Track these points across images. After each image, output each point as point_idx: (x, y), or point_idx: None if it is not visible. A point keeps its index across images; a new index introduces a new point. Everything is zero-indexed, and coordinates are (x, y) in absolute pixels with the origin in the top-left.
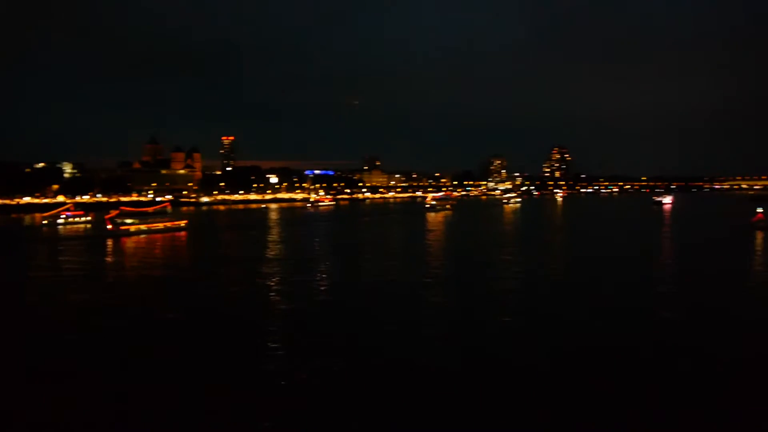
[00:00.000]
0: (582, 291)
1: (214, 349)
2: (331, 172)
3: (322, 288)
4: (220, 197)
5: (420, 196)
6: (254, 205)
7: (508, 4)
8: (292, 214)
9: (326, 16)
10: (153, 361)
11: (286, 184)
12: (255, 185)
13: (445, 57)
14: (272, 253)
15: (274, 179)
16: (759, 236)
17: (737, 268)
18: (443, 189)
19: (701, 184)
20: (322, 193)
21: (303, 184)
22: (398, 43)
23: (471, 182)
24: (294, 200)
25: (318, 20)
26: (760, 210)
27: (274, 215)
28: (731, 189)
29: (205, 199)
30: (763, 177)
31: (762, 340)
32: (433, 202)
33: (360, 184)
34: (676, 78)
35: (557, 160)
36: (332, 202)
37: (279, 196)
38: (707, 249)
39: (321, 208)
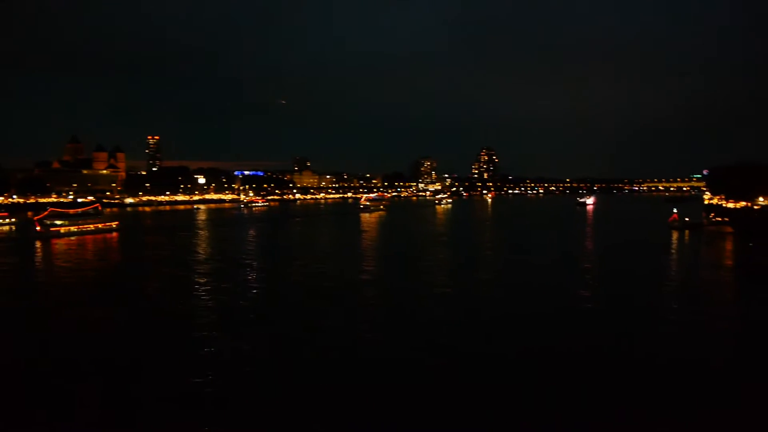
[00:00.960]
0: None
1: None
2: (260, 173)
3: (255, 286)
4: (145, 198)
5: (351, 197)
6: (182, 207)
7: (437, 7)
8: (223, 215)
9: (256, 16)
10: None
11: (214, 185)
12: (182, 186)
13: (376, 59)
14: (208, 254)
15: (202, 180)
16: (674, 235)
17: (654, 266)
18: (375, 190)
19: (621, 185)
20: (252, 194)
21: (232, 185)
22: (328, 44)
23: (402, 183)
24: (223, 201)
25: (247, 20)
26: (675, 211)
27: (205, 216)
28: (649, 191)
29: (129, 200)
30: (678, 179)
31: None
32: (368, 203)
33: (290, 185)
34: (600, 84)
35: (485, 162)
36: (265, 203)
37: (207, 197)
38: (627, 247)
39: (254, 209)
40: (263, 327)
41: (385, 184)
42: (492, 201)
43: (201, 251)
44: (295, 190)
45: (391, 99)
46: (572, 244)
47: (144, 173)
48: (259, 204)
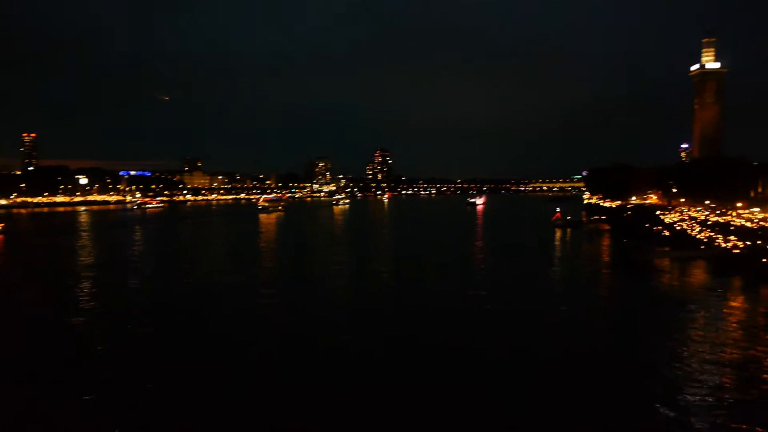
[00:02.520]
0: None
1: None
2: (148, 173)
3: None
4: (19, 200)
5: (244, 198)
6: (61, 209)
7: (334, 6)
8: (113, 217)
9: (146, 9)
10: None
11: (98, 185)
12: (62, 187)
13: (270, 57)
14: (99, 258)
15: (84, 180)
16: (557, 233)
17: (538, 263)
18: (269, 191)
19: (509, 186)
20: (139, 195)
21: (117, 186)
22: (221, 43)
23: (296, 184)
24: (107, 203)
25: (136, 13)
26: (558, 210)
27: (93, 219)
28: (534, 191)
29: (2, 201)
30: (560, 180)
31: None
32: (266, 204)
33: (180, 186)
34: (489, 87)
35: (380, 163)
36: (160, 204)
37: (90, 198)
38: (514, 244)
39: (148, 210)
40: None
41: (279, 184)
42: (389, 202)
43: (98, 254)
44: (185, 191)
45: (285, 99)
46: (464, 242)
47: (18, 173)
48: (153, 205)
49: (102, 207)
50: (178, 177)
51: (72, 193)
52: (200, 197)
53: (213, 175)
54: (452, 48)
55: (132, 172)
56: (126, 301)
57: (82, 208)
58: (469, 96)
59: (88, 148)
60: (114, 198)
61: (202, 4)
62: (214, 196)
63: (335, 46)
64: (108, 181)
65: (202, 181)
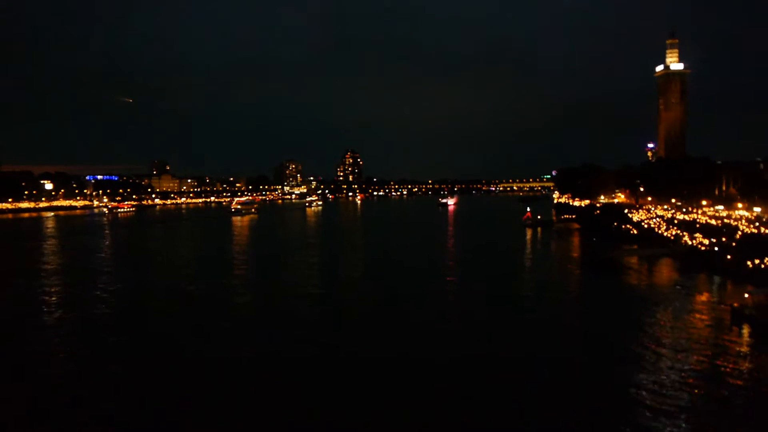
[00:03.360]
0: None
1: None
2: (115, 177)
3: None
4: None
5: (215, 201)
6: (26, 215)
7: (304, 8)
8: (81, 222)
9: (112, 10)
10: None
11: (63, 190)
12: (27, 192)
13: (240, 59)
14: (77, 263)
15: (49, 186)
16: (528, 232)
17: (511, 261)
18: (239, 193)
19: (479, 186)
20: (106, 199)
21: (84, 191)
22: (192, 43)
23: (266, 186)
24: (74, 208)
25: (104, 14)
26: (528, 209)
27: (62, 224)
28: (505, 191)
29: None
30: (530, 180)
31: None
32: (239, 206)
33: (149, 190)
34: (458, 89)
35: (350, 164)
36: (132, 208)
37: (56, 203)
38: (487, 243)
39: (120, 214)
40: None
41: (250, 187)
42: (361, 203)
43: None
44: (153, 195)
45: (253, 101)
46: (440, 239)
47: None
48: (125, 209)
49: (68, 212)
50: (146, 181)
51: (37, 199)
52: (169, 201)
53: (182, 178)
54: (423, 50)
55: (99, 177)
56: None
57: (49, 213)
58: (439, 97)
59: (52, 153)
60: (81, 203)
61: (170, 5)
62: (183, 199)
63: (305, 48)
64: (74, 186)
65: (171, 184)
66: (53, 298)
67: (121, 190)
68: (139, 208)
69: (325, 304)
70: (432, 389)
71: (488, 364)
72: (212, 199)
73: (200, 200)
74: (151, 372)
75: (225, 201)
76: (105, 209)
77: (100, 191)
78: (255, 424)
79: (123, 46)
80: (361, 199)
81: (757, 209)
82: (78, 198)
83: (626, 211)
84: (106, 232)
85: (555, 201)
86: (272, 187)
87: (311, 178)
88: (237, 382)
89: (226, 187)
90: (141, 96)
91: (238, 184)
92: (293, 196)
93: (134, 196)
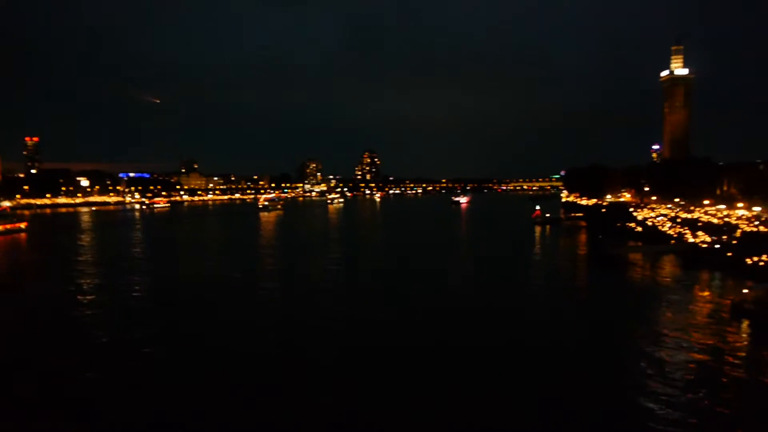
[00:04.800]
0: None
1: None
2: (146, 175)
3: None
4: (23, 201)
5: (239, 198)
6: (63, 209)
7: (328, 11)
8: (120, 216)
9: (143, 13)
10: None
11: (98, 187)
12: (64, 188)
13: (266, 60)
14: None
15: (85, 182)
16: (537, 230)
17: (523, 256)
18: (262, 191)
19: (491, 185)
20: (138, 195)
21: (117, 187)
22: (218, 44)
23: (288, 184)
24: (107, 204)
25: (133, 17)
26: (537, 208)
27: (101, 219)
28: (515, 190)
29: (6, 203)
30: (540, 179)
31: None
32: (266, 203)
33: (177, 187)
34: (471, 90)
35: (368, 164)
36: (167, 204)
37: (91, 199)
38: (501, 239)
39: (156, 210)
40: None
41: (273, 185)
42: (380, 200)
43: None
44: (182, 192)
45: (277, 103)
46: (455, 235)
47: (22, 175)
48: (161, 205)
49: (102, 207)
50: (175, 178)
51: (73, 195)
52: (197, 197)
53: (208, 176)
54: (437, 52)
55: (131, 174)
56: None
57: (85, 208)
58: (454, 98)
59: (89, 151)
60: (114, 199)
61: (195, 9)
62: (210, 196)
63: (326, 51)
64: (108, 182)
65: (199, 182)
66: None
67: (152, 187)
68: (173, 204)
69: (351, 290)
70: (453, 372)
71: (504, 351)
72: (237, 196)
73: (225, 197)
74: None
75: (249, 198)
76: (143, 205)
77: (132, 188)
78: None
79: (153, 48)
80: (380, 197)
81: (757, 208)
82: (111, 194)
83: (631, 209)
84: (155, 225)
85: (563, 200)
86: (294, 185)
87: (331, 176)
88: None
89: (250, 185)
90: (171, 97)
91: (261, 182)
92: (313, 193)
93: (164, 193)
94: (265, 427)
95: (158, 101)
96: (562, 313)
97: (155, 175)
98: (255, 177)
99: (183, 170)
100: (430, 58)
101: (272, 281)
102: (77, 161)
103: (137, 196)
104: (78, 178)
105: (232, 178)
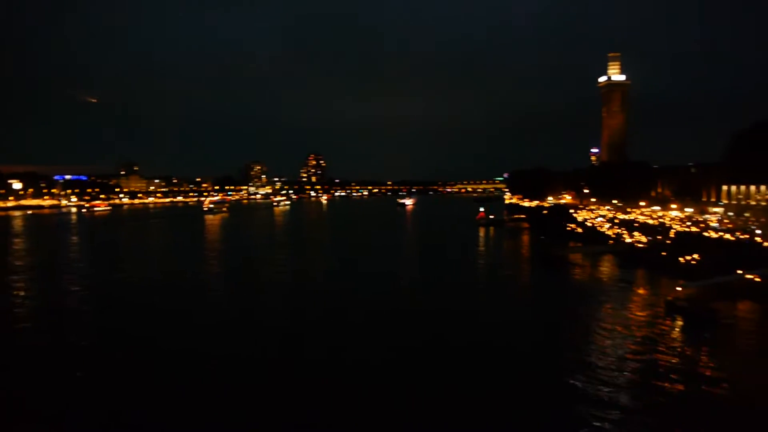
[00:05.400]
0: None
1: None
2: (84, 177)
3: None
4: None
5: (181, 201)
6: None
7: (269, 11)
8: (55, 221)
9: (73, 13)
10: None
11: (32, 190)
12: None
13: (208, 62)
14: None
15: (17, 185)
16: (482, 231)
17: (467, 257)
18: (205, 193)
19: (436, 187)
20: (74, 198)
21: (52, 190)
22: (155, 45)
23: (232, 187)
24: (41, 207)
25: (62, 17)
26: (482, 209)
27: (40, 222)
28: (459, 192)
29: None
30: (484, 182)
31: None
32: (211, 206)
33: (117, 190)
34: (416, 93)
35: (314, 166)
36: (108, 207)
37: (24, 203)
38: (445, 241)
39: (96, 213)
40: None
41: (216, 187)
42: (327, 202)
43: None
44: (122, 195)
45: (219, 103)
46: (401, 236)
47: None
48: (102, 208)
49: (37, 211)
50: (114, 181)
51: (5, 198)
52: (137, 200)
53: (149, 178)
54: (385, 55)
55: (67, 177)
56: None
57: (17, 212)
58: (398, 100)
59: (21, 153)
60: (48, 202)
61: (129, 7)
62: (151, 199)
63: (270, 52)
64: (43, 185)
65: (139, 184)
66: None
67: (89, 190)
68: (114, 207)
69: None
70: (401, 374)
71: (437, 352)
72: (179, 198)
73: (167, 200)
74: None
75: (192, 201)
76: (82, 209)
77: (69, 191)
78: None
79: (88, 47)
80: (327, 199)
81: (689, 210)
82: (46, 197)
83: (572, 211)
84: (96, 228)
85: (507, 202)
86: (238, 188)
87: (276, 178)
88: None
89: (192, 188)
90: (108, 98)
91: (204, 185)
92: (258, 196)
93: (102, 196)
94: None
95: (96, 101)
96: (507, 313)
97: (93, 178)
98: (198, 179)
99: (122, 172)
100: (378, 60)
101: (220, 283)
102: (8, 163)
103: (74, 199)
104: (9, 181)
105: (174, 181)
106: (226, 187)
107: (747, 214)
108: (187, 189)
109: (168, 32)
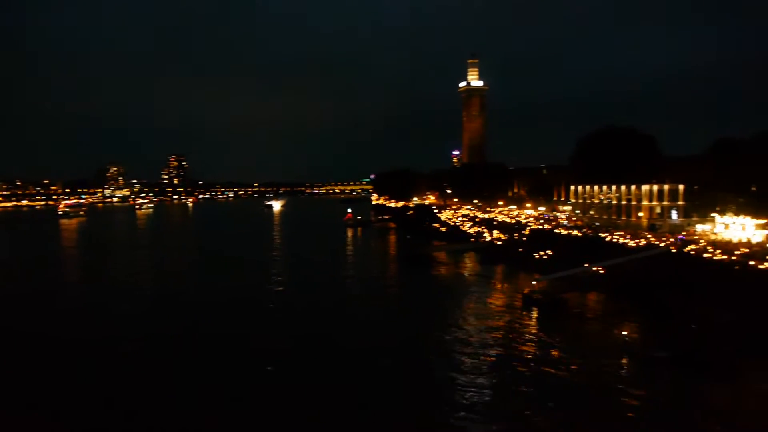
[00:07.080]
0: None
1: None
2: None
3: None
4: None
5: (26, 205)
6: None
7: (135, 5)
8: None
9: None
10: None
11: None
12: None
13: (55, 55)
14: None
15: None
16: (350, 232)
17: (336, 258)
18: (54, 197)
19: (304, 188)
20: None
21: None
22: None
23: (86, 190)
24: None
25: None
26: (349, 211)
27: None
28: (327, 193)
29: None
30: (351, 183)
31: None
32: (67, 209)
33: None
34: (283, 95)
35: (175, 168)
36: None
37: None
38: (314, 242)
39: None
40: None
41: (67, 190)
42: (193, 206)
43: None
44: None
45: (73, 101)
46: (269, 239)
47: None
48: None
49: None
50: None
51: None
52: None
53: None
54: (256, 54)
55: None
56: None
57: None
58: (265, 101)
59: None
60: None
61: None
62: None
63: (127, 47)
64: None
65: None
66: None
67: None
68: None
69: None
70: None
71: (303, 348)
72: (24, 202)
73: (9, 204)
74: None
75: (39, 205)
76: None
77: None
78: None
79: None
80: (193, 202)
81: (542, 208)
82: None
83: (436, 211)
84: None
85: (373, 202)
86: (92, 191)
87: (134, 181)
88: None
89: (40, 191)
90: None
91: (54, 188)
92: (115, 199)
93: None
94: None
95: None
96: (371, 311)
97: None
98: (46, 182)
99: None
100: (247, 60)
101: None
102: None
103: None
104: None
105: (18, 183)
106: (79, 190)
107: (591, 212)
108: (33, 192)
109: (21, 22)
